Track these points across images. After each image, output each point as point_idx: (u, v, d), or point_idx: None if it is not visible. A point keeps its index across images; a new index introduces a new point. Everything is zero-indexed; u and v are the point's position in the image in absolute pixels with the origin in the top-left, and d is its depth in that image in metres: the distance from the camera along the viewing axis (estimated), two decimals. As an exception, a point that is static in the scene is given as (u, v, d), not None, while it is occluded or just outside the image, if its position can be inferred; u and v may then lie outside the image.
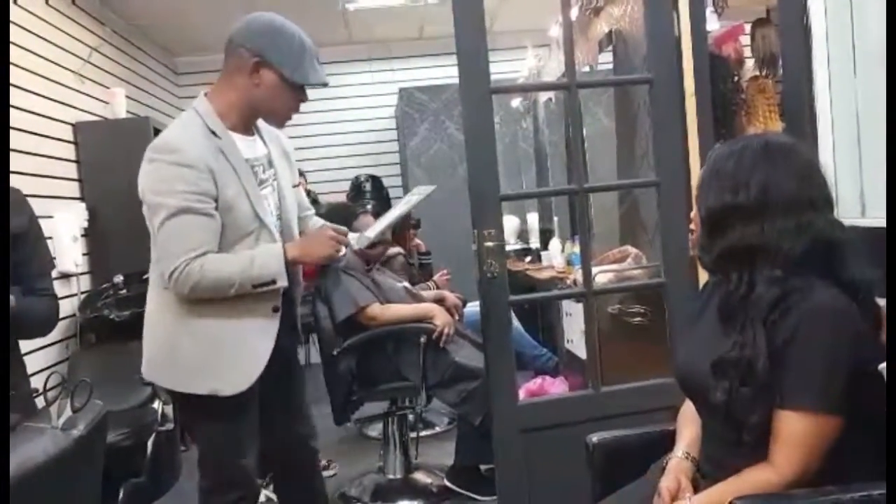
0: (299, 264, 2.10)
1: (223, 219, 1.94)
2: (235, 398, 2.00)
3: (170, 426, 3.55)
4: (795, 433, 1.34)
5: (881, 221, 1.74)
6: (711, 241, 1.49)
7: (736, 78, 3.26)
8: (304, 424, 2.31)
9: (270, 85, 1.97)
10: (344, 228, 2.12)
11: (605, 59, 3.86)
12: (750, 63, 3.41)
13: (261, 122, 2.13)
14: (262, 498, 3.10)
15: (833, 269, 1.40)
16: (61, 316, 3.74)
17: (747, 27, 3.43)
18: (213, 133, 1.97)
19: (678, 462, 1.56)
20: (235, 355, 2.01)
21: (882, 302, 1.42)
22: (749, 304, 1.40)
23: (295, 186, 2.23)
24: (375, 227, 2.19)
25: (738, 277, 1.43)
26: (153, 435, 3.39)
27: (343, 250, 2.07)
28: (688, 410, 1.65)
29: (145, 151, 1.95)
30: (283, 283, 1.96)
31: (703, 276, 2.29)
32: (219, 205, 1.93)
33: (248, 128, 2.07)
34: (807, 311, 1.35)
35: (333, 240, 2.03)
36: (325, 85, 2.03)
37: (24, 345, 3.35)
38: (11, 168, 3.31)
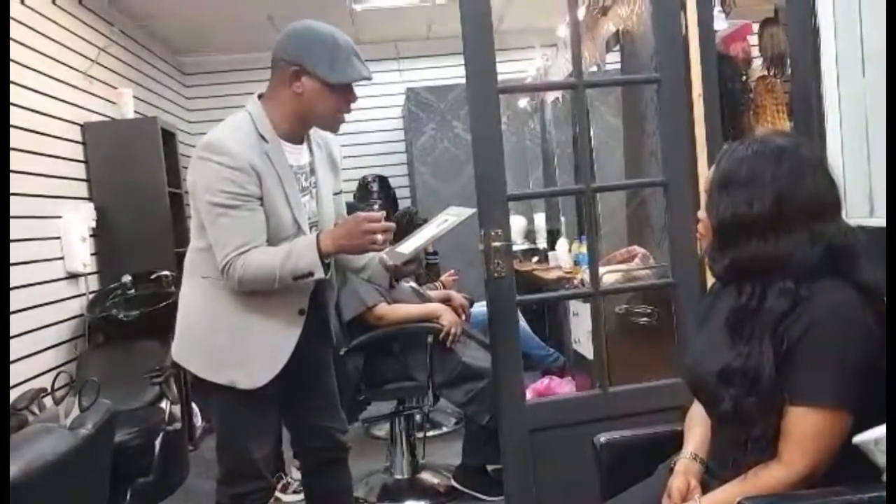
0: (337, 254, 2.07)
1: (266, 220, 1.99)
2: (252, 393, 2.03)
3: (177, 426, 3.57)
4: (806, 429, 1.34)
5: (890, 221, 1.73)
6: (723, 250, 1.47)
7: (744, 77, 3.25)
8: (333, 419, 2.33)
9: (312, 91, 1.99)
10: (379, 215, 2.04)
11: (613, 59, 3.85)
12: (758, 62, 3.40)
13: (314, 129, 2.15)
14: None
15: (844, 271, 1.39)
16: (70, 315, 3.79)
17: (755, 27, 3.42)
18: (263, 137, 2.01)
19: (687, 463, 1.56)
20: (257, 351, 2.04)
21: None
22: (758, 315, 1.40)
23: (336, 194, 2.26)
24: (411, 245, 2.12)
25: (750, 289, 1.42)
26: (161, 434, 3.40)
27: (380, 238, 1.98)
28: (696, 411, 1.64)
29: (197, 148, 2.00)
30: (319, 274, 1.97)
31: (711, 276, 2.28)
32: (264, 206, 1.98)
33: (297, 137, 2.10)
34: (819, 310, 1.35)
35: (368, 232, 1.97)
36: (367, 79, 2.03)
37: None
38: (20, 168, 3.34)
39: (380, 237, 1.98)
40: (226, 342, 2.04)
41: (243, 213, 1.95)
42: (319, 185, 2.15)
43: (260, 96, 2.08)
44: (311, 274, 1.96)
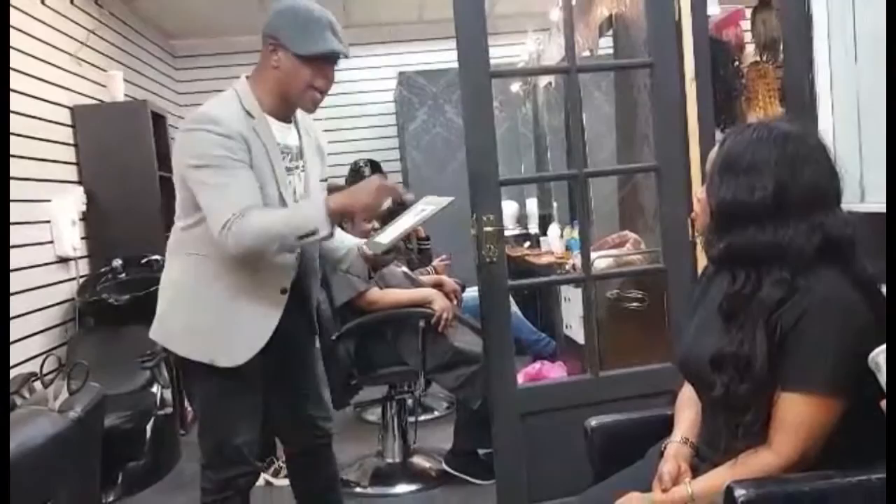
0: (343, 213, 2.07)
1: None
2: (233, 375, 2.02)
3: (169, 410, 3.57)
4: (798, 416, 1.34)
5: (880, 206, 1.74)
6: (720, 234, 1.46)
7: (736, 63, 3.25)
8: (317, 408, 2.33)
9: (287, 65, 1.99)
10: (394, 185, 2.08)
11: (606, 44, 3.85)
12: (750, 48, 3.40)
13: (301, 115, 2.16)
14: (260, 481, 3.11)
15: (841, 261, 1.38)
16: (60, 300, 3.77)
17: (748, 12, 3.42)
18: (249, 113, 2.01)
19: (677, 447, 1.56)
20: (237, 329, 2.03)
21: (883, 289, 1.42)
22: (753, 303, 1.39)
23: (323, 181, 2.25)
24: (389, 234, 2.13)
25: (744, 276, 1.41)
26: (152, 418, 3.41)
27: (388, 203, 2.02)
28: (686, 394, 1.65)
29: (182, 124, 2.00)
30: (325, 231, 1.96)
31: (703, 261, 2.29)
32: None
33: (284, 115, 2.10)
34: (814, 298, 1.35)
35: (381, 190, 1.99)
36: (343, 56, 2.01)
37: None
38: (10, 152, 3.31)
39: (388, 202, 2.01)
40: (210, 320, 2.03)
41: (239, 174, 1.93)
42: (308, 168, 2.15)
43: (248, 77, 2.08)
44: (315, 232, 1.95)
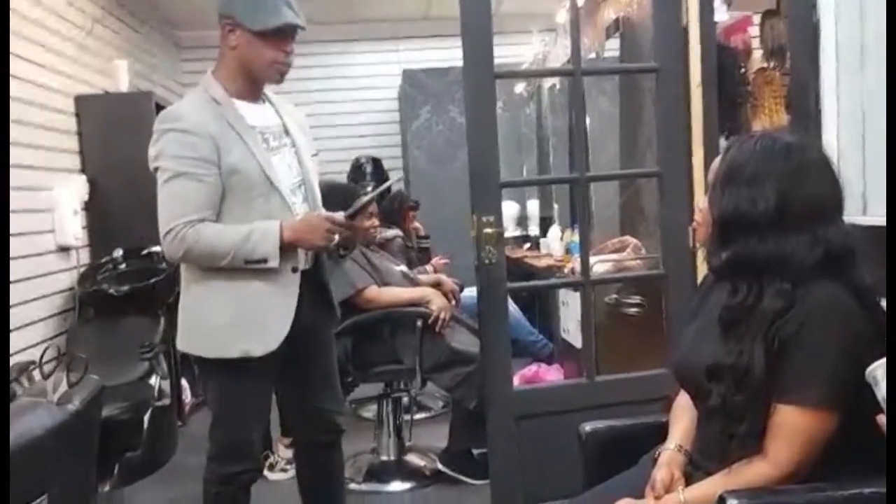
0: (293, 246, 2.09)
1: (229, 182, 1.99)
2: (252, 369, 2.02)
3: (167, 401, 3.56)
4: (794, 427, 1.34)
5: (882, 220, 1.73)
6: (722, 245, 1.46)
7: (742, 69, 3.25)
8: (332, 400, 2.32)
9: (244, 43, 2.01)
10: (341, 219, 2.10)
11: (612, 46, 3.84)
12: (757, 55, 3.40)
13: (275, 97, 2.18)
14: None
15: (842, 273, 1.39)
16: (60, 289, 3.77)
17: (756, 18, 3.41)
18: (217, 102, 2.03)
19: (671, 454, 1.56)
20: (262, 315, 2.03)
21: (883, 302, 1.42)
22: (753, 314, 1.39)
23: (314, 155, 2.27)
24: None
25: (746, 287, 1.41)
26: (150, 410, 3.40)
27: (337, 238, 2.08)
28: (681, 402, 1.65)
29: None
30: (273, 263, 1.97)
31: (703, 268, 2.29)
32: (222, 170, 1.98)
33: (253, 94, 2.11)
34: (812, 308, 1.35)
35: (330, 232, 2.04)
36: (300, 28, 2.02)
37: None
38: (11, 139, 3.31)
39: (337, 237, 2.06)
40: (230, 314, 2.02)
41: (197, 182, 1.94)
42: (298, 144, 2.16)
43: (212, 71, 2.11)
44: (264, 261, 1.97)
